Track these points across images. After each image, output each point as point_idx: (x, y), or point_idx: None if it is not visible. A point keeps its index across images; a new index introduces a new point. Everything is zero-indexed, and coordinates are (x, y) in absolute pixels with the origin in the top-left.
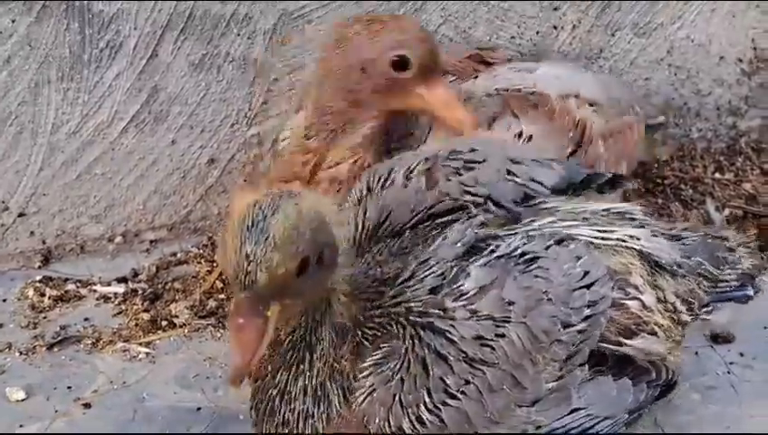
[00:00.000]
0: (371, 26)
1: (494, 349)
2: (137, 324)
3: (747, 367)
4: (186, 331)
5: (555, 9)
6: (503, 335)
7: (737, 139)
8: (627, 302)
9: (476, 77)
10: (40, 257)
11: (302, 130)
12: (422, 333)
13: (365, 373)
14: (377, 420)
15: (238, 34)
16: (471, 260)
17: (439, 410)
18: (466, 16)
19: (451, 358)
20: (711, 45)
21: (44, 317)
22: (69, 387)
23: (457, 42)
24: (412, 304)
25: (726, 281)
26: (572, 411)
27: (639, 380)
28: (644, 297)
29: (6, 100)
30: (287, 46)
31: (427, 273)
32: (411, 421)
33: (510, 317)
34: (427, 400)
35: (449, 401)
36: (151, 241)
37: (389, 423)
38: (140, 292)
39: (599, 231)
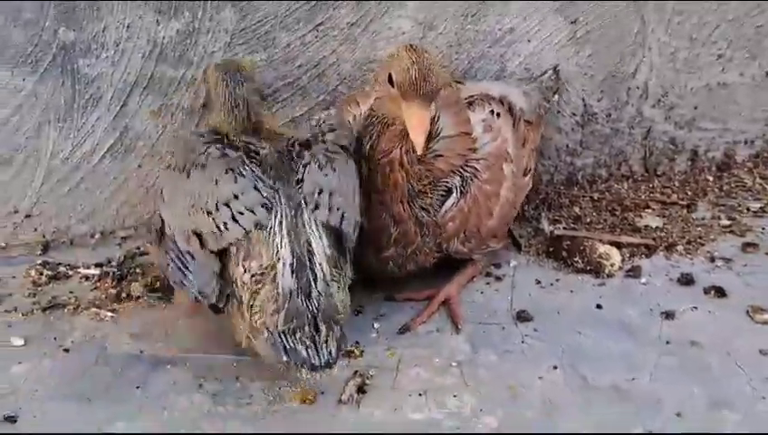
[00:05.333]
0: (393, 52)
1: None
2: (106, 296)
3: (538, 339)
4: (140, 302)
5: None
6: None
7: (574, 173)
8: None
9: (459, 90)
10: (40, 247)
11: (363, 120)
12: None
13: None
14: None
15: (186, 90)
16: None
17: None
18: None
19: None
20: (550, 103)
21: (41, 290)
22: (54, 338)
23: None
24: None
25: None
26: None
27: None
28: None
29: (18, 135)
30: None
31: None
32: None
33: None
34: None
35: None
36: (122, 238)
37: None
38: (111, 274)
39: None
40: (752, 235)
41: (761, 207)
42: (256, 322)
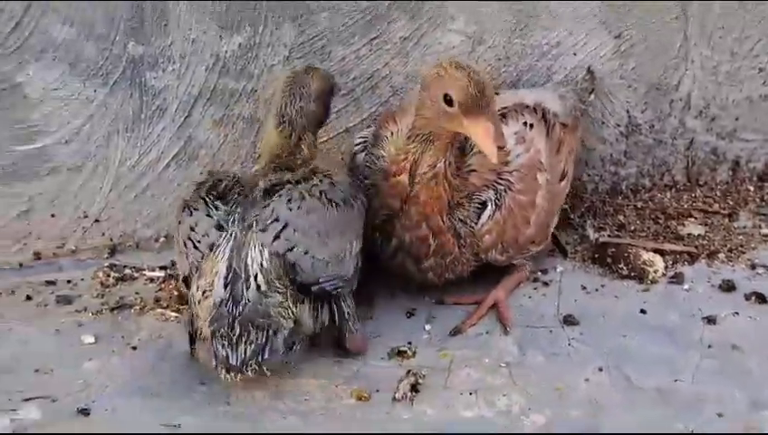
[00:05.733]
0: (439, 71)
1: None
2: (170, 298)
3: (584, 342)
4: None
5: None
6: None
7: (618, 182)
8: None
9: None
10: (108, 251)
11: (403, 138)
12: None
13: None
14: None
15: (247, 102)
16: None
17: None
18: None
19: None
20: (594, 114)
21: (109, 291)
22: (122, 336)
23: None
24: None
25: None
26: None
27: None
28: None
29: (89, 144)
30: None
31: None
32: None
33: None
34: None
35: None
36: None
37: None
38: (175, 276)
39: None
40: None
41: None
42: (201, 332)
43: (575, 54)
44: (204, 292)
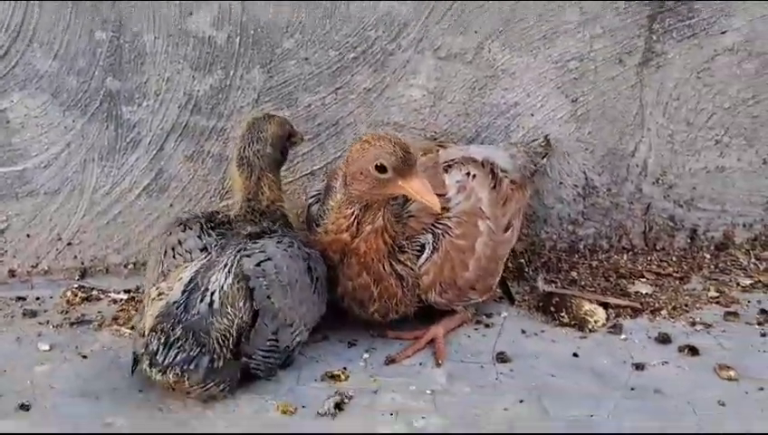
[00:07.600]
0: (363, 146)
1: None
2: (128, 317)
3: (511, 377)
4: None
5: None
6: None
7: (576, 242)
8: None
9: (438, 152)
10: (78, 273)
11: (338, 205)
12: None
13: None
14: None
15: (216, 139)
16: None
17: None
18: None
19: None
20: (552, 173)
21: (73, 308)
22: (76, 346)
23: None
24: None
25: None
26: None
27: None
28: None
29: (65, 170)
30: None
31: None
32: None
33: None
34: None
35: None
36: None
37: None
38: (136, 299)
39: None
40: (737, 306)
41: (751, 284)
42: (144, 327)
43: (532, 115)
44: (160, 293)
